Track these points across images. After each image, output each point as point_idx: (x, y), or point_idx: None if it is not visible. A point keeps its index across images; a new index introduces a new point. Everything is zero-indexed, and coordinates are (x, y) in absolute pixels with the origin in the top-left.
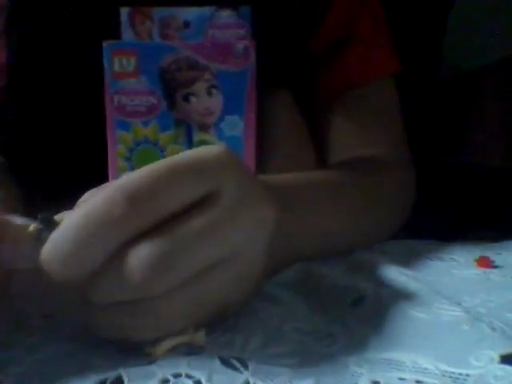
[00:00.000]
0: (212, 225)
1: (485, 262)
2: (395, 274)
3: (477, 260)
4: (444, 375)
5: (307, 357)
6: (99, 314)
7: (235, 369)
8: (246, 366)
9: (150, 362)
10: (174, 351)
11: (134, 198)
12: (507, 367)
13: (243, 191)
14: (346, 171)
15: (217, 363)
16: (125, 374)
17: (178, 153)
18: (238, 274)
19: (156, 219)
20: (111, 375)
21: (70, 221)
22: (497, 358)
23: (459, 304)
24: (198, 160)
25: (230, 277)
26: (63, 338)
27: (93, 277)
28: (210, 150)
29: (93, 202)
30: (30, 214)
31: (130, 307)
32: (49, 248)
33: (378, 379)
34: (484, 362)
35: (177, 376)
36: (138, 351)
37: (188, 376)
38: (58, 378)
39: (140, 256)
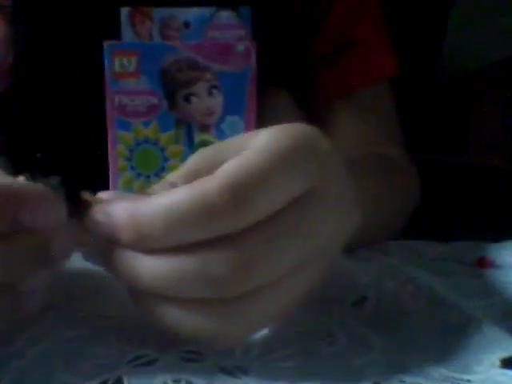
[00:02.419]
0: (307, 219)
1: (485, 262)
2: (396, 275)
3: (477, 260)
4: (445, 380)
5: (308, 358)
6: (178, 313)
7: (235, 376)
8: (246, 373)
9: (151, 365)
10: (174, 358)
11: (241, 199)
12: (508, 372)
13: (336, 184)
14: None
15: (216, 371)
16: (125, 375)
17: (178, 153)
18: (322, 270)
19: (256, 219)
20: (111, 376)
21: (173, 197)
22: (498, 362)
23: (460, 305)
24: (297, 151)
25: (316, 273)
26: (63, 330)
27: (175, 265)
28: (293, 136)
29: (202, 187)
30: None
31: (217, 306)
32: (139, 217)
33: (379, 381)
34: (485, 367)
35: (176, 381)
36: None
37: (188, 382)
38: (58, 374)
39: (234, 251)
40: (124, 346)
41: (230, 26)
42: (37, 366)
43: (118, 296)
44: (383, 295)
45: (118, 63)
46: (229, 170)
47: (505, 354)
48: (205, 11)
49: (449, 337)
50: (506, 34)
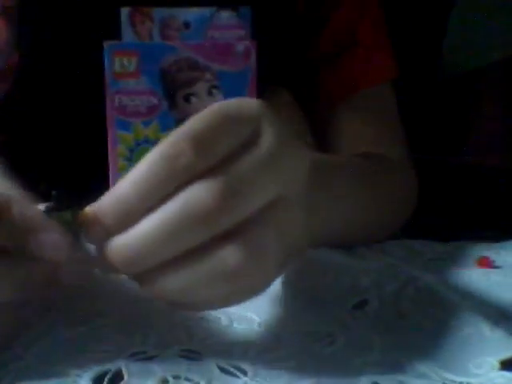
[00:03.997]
0: (264, 162)
1: (485, 262)
2: (396, 275)
3: (477, 260)
4: (444, 382)
5: (307, 358)
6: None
7: (234, 375)
8: (244, 373)
9: (151, 361)
10: (174, 355)
11: (199, 144)
12: (507, 374)
13: (283, 133)
14: (357, 159)
15: (216, 371)
16: (125, 369)
17: None
18: (286, 217)
19: (216, 162)
20: (112, 368)
21: (134, 172)
22: (497, 364)
23: (459, 305)
24: (243, 105)
25: (285, 217)
26: (62, 329)
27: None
28: (248, 99)
29: (158, 151)
30: None
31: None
32: (112, 195)
33: (378, 381)
34: (484, 369)
35: (176, 377)
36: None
37: (187, 379)
38: (57, 370)
39: (206, 191)
40: (123, 344)
41: (229, 26)
42: (37, 363)
43: (117, 295)
44: (383, 297)
45: (118, 63)
46: (182, 127)
47: (504, 356)
48: (205, 11)
49: (448, 338)
50: (506, 34)
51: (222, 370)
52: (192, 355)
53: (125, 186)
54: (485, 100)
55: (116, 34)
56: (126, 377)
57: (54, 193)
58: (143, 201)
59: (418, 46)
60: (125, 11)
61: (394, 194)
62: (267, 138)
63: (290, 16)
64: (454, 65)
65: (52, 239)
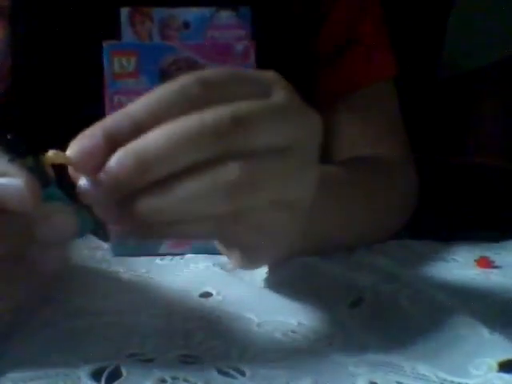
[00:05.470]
0: (275, 110)
1: (485, 262)
2: (395, 275)
3: (477, 260)
4: (443, 383)
5: (305, 358)
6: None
7: (232, 377)
8: (243, 374)
9: (149, 362)
10: (172, 359)
11: (208, 84)
12: (505, 376)
13: (295, 96)
14: (347, 169)
15: (214, 372)
16: (123, 368)
17: None
18: (295, 167)
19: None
20: (109, 364)
21: (147, 96)
22: (495, 366)
23: (459, 305)
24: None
25: (289, 166)
26: (62, 321)
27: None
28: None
29: (167, 84)
30: None
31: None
32: (122, 114)
33: (376, 381)
34: (483, 370)
35: (174, 378)
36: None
37: (185, 380)
38: (56, 361)
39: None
40: (122, 344)
41: (229, 26)
42: (36, 353)
43: (117, 295)
44: (381, 296)
45: (118, 63)
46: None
47: (503, 358)
48: (205, 11)
49: (446, 339)
50: (506, 34)
51: (220, 371)
52: (190, 360)
53: (135, 105)
54: (484, 100)
55: (116, 33)
56: (124, 374)
57: (9, 137)
58: (154, 118)
59: (417, 46)
60: (124, 11)
61: (392, 196)
62: (279, 94)
63: (288, 15)
64: (454, 65)
65: (17, 186)
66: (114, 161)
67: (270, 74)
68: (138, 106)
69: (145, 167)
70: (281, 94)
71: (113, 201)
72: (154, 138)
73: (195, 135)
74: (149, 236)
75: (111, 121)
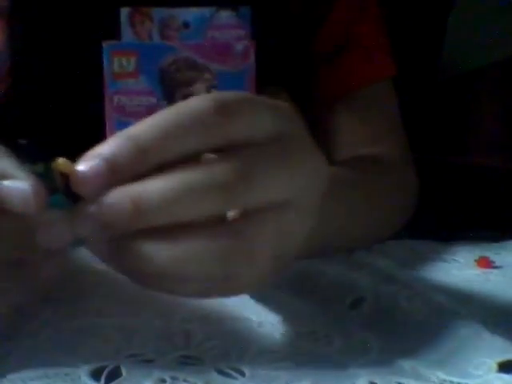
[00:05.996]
0: (283, 161)
1: (485, 262)
2: (395, 275)
3: (477, 260)
4: (443, 383)
5: (305, 358)
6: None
7: (232, 377)
8: (242, 374)
9: (149, 363)
10: (172, 359)
11: (226, 112)
12: (505, 376)
13: (306, 139)
14: (346, 170)
15: (214, 373)
16: (123, 367)
17: None
18: (294, 221)
19: (238, 137)
20: (110, 363)
21: (159, 115)
22: (495, 366)
23: (459, 305)
24: (272, 100)
25: (288, 222)
26: (63, 320)
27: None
28: (276, 100)
29: (185, 103)
30: None
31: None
32: (135, 131)
33: (376, 381)
34: (483, 371)
35: (174, 378)
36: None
37: (185, 380)
38: (56, 360)
39: (236, 164)
40: (122, 345)
41: (229, 26)
42: (37, 352)
43: (117, 295)
44: (381, 297)
45: (117, 63)
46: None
47: (502, 358)
48: (204, 11)
49: (446, 339)
50: (506, 34)
51: (220, 371)
52: (190, 360)
53: (141, 126)
54: (484, 100)
55: (116, 33)
56: (124, 374)
57: (23, 142)
58: (163, 147)
59: (417, 46)
60: (124, 11)
61: (392, 196)
62: (292, 139)
63: (288, 16)
64: (454, 65)
65: (21, 188)
66: (108, 199)
67: (285, 106)
68: (147, 133)
69: (139, 214)
70: (297, 133)
71: (105, 237)
72: (155, 187)
73: (200, 193)
74: (136, 282)
75: (117, 148)
